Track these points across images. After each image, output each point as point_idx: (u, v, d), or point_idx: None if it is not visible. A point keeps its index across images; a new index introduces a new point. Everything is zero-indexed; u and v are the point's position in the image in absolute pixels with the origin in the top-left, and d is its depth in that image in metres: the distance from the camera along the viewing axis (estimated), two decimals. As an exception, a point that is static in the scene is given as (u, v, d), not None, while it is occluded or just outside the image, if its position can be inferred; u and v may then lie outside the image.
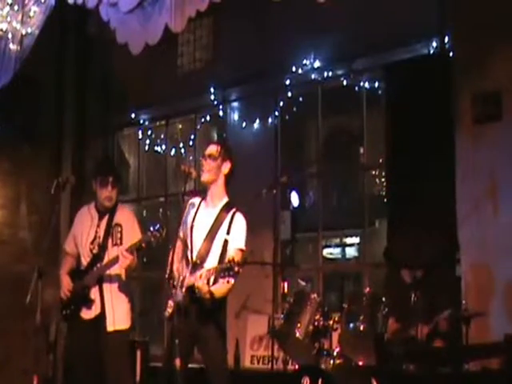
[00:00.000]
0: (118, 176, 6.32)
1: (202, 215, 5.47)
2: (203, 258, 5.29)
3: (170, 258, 5.30)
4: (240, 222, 5.40)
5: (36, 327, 5.81)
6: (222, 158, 5.44)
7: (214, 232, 5.35)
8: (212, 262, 5.24)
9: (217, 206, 5.45)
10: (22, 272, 8.63)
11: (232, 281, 4.91)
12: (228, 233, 5.33)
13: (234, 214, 5.41)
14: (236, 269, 4.83)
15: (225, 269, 4.88)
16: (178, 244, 5.32)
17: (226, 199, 5.50)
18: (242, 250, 5.29)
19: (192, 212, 5.50)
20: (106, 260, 6.03)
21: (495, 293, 6.60)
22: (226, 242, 5.30)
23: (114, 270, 5.99)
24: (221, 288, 5.13)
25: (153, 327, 9.41)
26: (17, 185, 9.57)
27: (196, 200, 5.57)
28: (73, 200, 9.24)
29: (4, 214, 9.42)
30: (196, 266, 5.26)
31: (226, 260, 4.96)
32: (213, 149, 5.47)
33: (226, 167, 5.47)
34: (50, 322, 8.93)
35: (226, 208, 5.44)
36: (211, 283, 5.10)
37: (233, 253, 5.23)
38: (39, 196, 9.40)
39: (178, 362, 4.81)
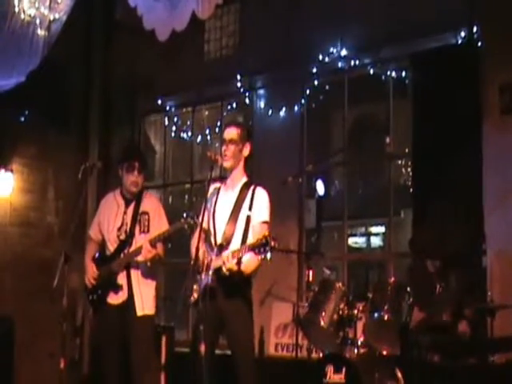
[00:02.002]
0: (144, 161, 6.33)
1: (223, 199, 5.48)
2: (228, 239, 5.30)
3: (194, 244, 5.32)
4: (261, 195, 5.39)
5: (63, 311, 5.88)
6: (243, 141, 5.44)
7: (236, 212, 5.35)
8: (237, 241, 5.24)
9: (236, 186, 5.46)
10: (48, 256, 8.74)
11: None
12: (250, 208, 5.32)
13: (254, 189, 5.42)
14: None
15: (260, 245, 4.82)
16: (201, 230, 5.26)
17: (244, 179, 5.50)
18: (266, 223, 5.28)
19: (213, 198, 5.51)
20: (133, 247, 6.05)
21: (521, 284, 6.58)
22: (248, 218, 5.30)
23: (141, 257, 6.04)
24: (252, 263, 5.13)
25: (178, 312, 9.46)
26: (44, 170, 9.64)
27: (216, 185, 5.59)
28: (99, 185, 9.32)
29: (31, 198, 9.49)
30: (222, 248, 5.27)
31: (260, 236, 4.86)
32: (233, 132, 5.44)
33: (247, 150, 5.47)
34: (76, 306, 9.03)
35: (246, 186, 5.44)
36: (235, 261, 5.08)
37: (258, 227, 5.23)
38: (66, 181, 9.47)
39: (202, 347, 4.82)
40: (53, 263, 6.12)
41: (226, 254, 5.12)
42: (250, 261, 5.10)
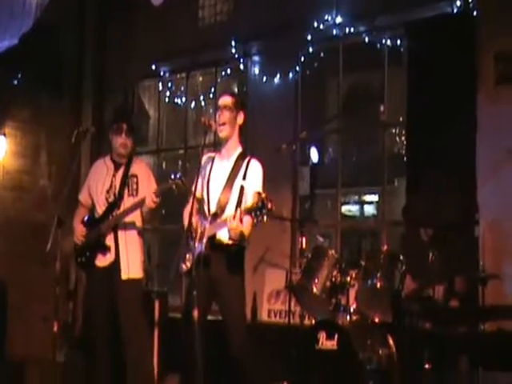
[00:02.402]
0: (132, 124, 6.40)
1: (217, 168, 5.52)
2: (223, 207, 5.34)
3: (187, 212, 5.32)
4: (256, 167, 5.44)
5: (56, 275, 5.90)
6: (237, 109, 5.47)
7: (231, 181, 5.39)
8: (231, 210, 5.24)
9: (232, 156, 5.50)
10: (42, 220, 8.74)
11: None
12: (244, 178, 5.36)
13: (249, 161, 5.46)
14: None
15: (256, 208, 4.82)
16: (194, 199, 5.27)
17: (240, 149, 5.55)
18: (259, 194, 5.28)
19: (207, 166, 5.54)
20: (121, 209, 6.10)
21: (513, 254, 6.63)
22: (242, 188, 5.33)
23: (129, 219, 6.08)
24: (249, 226, 5.17)
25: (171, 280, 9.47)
26: (37, 133, 9.59)
27: (211, 154, 5.63)
28: (92, 150, 9.34)
29: (24, 162, 9.45)
30: (216, 217, 5.31)
31: (256, 199, 4.85)
32: (227, 99, 5.48)
33: (241, 118, 5.51)
34: (69, 270, 9.04)
35: (241, 157, 5.48)
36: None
37: (251, 196, 5.22)
38: (59, 145, 9.45)
39: (195, 312, 4.84)
40: (46, 227, 6.14)
41: (225, 216, 5.16)
42: (247, 223, 5.11)
